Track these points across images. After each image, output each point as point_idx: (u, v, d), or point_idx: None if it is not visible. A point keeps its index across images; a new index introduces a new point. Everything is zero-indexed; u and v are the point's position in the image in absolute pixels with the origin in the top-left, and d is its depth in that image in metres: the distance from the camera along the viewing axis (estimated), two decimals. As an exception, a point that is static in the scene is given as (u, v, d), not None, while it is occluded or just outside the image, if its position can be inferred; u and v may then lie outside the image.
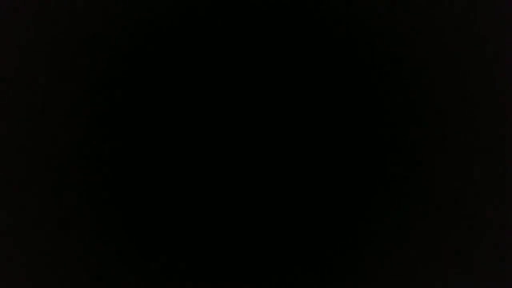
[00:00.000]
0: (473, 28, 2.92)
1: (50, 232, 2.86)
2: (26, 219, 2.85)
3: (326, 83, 2.91)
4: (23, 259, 2.84)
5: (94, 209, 2.86)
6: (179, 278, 2.86)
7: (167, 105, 2.91)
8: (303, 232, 2.87)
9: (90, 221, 2.86)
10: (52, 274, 2.85)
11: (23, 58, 2.89)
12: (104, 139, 2.88)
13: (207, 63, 2.93)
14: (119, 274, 2.84)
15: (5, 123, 2.86)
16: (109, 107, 2.89)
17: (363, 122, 2.90)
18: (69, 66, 2.89)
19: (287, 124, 2.90)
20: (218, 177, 2.89)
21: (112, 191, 2.87)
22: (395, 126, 2.89)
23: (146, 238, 2.86)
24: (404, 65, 2.91)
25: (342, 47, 2.91)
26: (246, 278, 2.85)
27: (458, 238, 2.86)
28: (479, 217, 2.87)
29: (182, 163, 2.89)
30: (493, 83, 2.90)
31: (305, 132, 2.90)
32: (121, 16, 2.90)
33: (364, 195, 2.87)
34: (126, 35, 2.91)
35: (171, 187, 2.88)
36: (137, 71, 2.91)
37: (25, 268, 2.85)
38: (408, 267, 2.85)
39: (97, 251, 2.85)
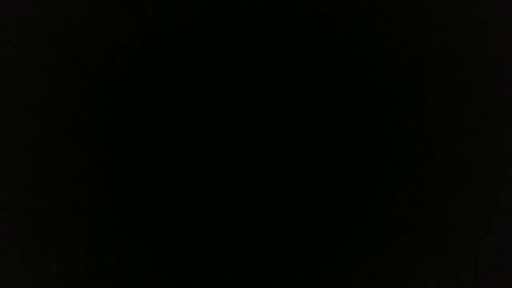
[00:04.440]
0: (473, 28, 2.92)
1: (50, 232, 2.86)
2: (25, 218, 2.86)
3: (325, 83, 2.92)
4: (22, 259, 2.85)
5: (93, 209, 2.87)
6: (179, 278, 2.86)
7: (166, 104, 2.91)
8: (303, 232, 2.87)
9: (89, 221, 2.86)
10: (51, 274, 2.85)
11: (23, 58, 2.90)
12: (104, 139, 2.89)
13: (207, 63, 2.93)
14: (119, 274, 2.85)
15: (4, 123, 2.87)
16: (109, 106, 2.90)
17: (363, 122, 2.90)
18: (68, 66, 2.90)
19: (286, 125, 2.91)
20: (217, 177, 2.89)
21: (112, 191, 2.87)
22: (395, 126, 2.89)
23: (146, 238, 2.87)
24: (404, 65, 2.91)
25: (341, 46, 2.92)
26: (245, 278, 2.85)
27: (458, 238, 2.86)
28: (479, 217, 2.87)
29: (182, 163, 2.89)
30: (493, 83, 2.91)
31: (304, 132, 2.91)
32: (121, 16, 2.91)
33: (364, 195, 2.88)
34: (126, 34, 2.92)
35: (170, 187, 2.88)
36: (136, 70, 2.92)
37: (24, 268, 2.85)
38: (407, 267, 2.85)
39: (96, 251, 2.85)
